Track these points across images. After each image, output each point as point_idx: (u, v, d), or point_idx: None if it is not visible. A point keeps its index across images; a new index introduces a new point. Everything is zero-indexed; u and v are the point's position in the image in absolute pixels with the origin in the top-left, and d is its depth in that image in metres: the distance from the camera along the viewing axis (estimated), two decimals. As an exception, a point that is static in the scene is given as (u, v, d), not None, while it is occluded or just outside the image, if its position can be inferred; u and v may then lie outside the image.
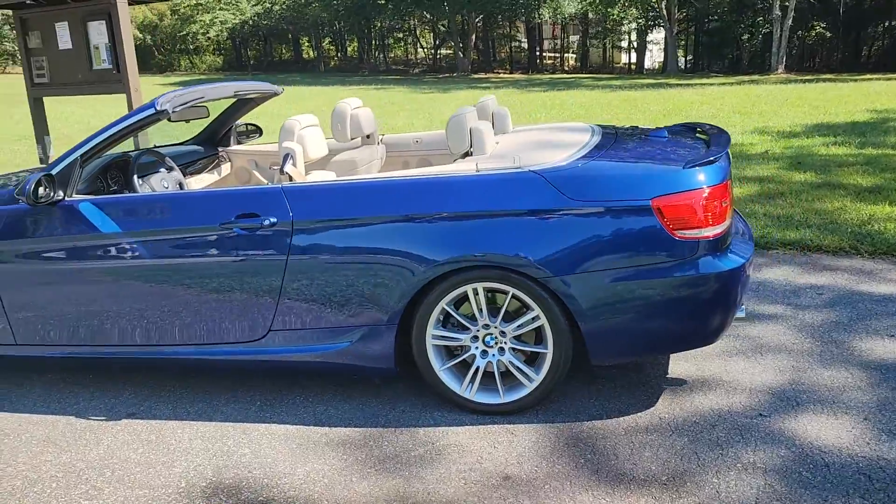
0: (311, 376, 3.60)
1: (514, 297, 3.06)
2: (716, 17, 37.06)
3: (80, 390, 3.64)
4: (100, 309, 3.37)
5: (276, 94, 4.61)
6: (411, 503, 2.63)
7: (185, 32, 40.18)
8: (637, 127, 4.20)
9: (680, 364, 3.58)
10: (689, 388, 3.34)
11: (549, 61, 44.65)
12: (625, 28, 39.91)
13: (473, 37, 38.39)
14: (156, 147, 4.76)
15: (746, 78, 26.03)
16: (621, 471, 2.75)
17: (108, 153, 3.82)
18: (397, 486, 2.73)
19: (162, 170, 3.92)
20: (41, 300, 3.42)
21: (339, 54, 49.53)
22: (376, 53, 45.48)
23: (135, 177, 3.66)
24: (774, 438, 2.91)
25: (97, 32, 7.55)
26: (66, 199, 3.39)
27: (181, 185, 4.04)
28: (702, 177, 2.99)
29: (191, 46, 42.03)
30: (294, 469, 2.87)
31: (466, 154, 3.51)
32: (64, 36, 7.78)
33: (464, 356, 3.20)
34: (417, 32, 46.68)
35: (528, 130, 4.04)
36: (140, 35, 40.38)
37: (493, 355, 3.17)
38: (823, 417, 3.04)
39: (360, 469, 2.85)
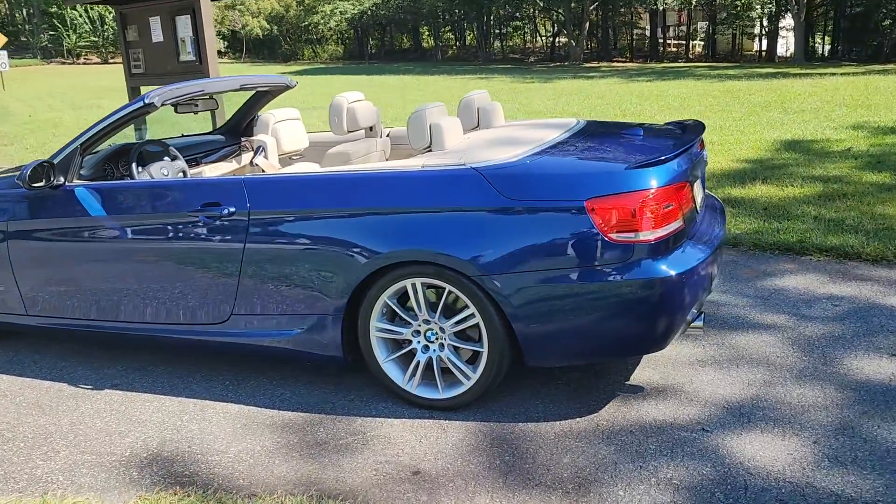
0: (284, 361, 3.75)
1: (453, 294, 3.07)
2: (858, 2, 34.38)
3: (81, 360, 3.96)
4: (88, 286, 3.66)
5: (288, 87, 4.78)
6: (316, 489, 2.72)
7: (307, 23, 41.80)
8: (624, 123, 4.05)
9: (645, 370, 3.47)
10: (643, 396, 3.23)
11: (673, 49, 42.99)
12: (755, 14, 37.75)
13: (587, 24, 37.54)
14: (184, 135, 5.06)
15: (879, 68, 24.07)
16: (531, 475, 2.72)
17: (118, 143, 4.12)
18: (312, 472, 2.82)
19: (166, 158, 4.18)
20: (44, 275, 3.75)
21: (457, 43, 49.92)
22: (493, 42, 45.46)
23: (133, 164, 3.93)
24: (705, 455, 2.78)
25: (183, 26, 8.07)
26: (67, 184, 3.69)
27: (184, 173, 4.29)
28: (645, 178, 2.88)
29: (314, 36, 43.68)
30: (229, 447, 3.03)
31: (427, 150, 3.53)
32: (156, 29, 8.36)
33: (408, 349, 3.24)
34: (536, 21, 46.26)
35: (510, 126, 4.01)
36: (267, 26, 42.34)
37: (434, 351, 3.20)
38: (769, 437, 2.87)
39: (287, 452, 2.97)
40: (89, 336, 3.82)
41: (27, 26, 49.23)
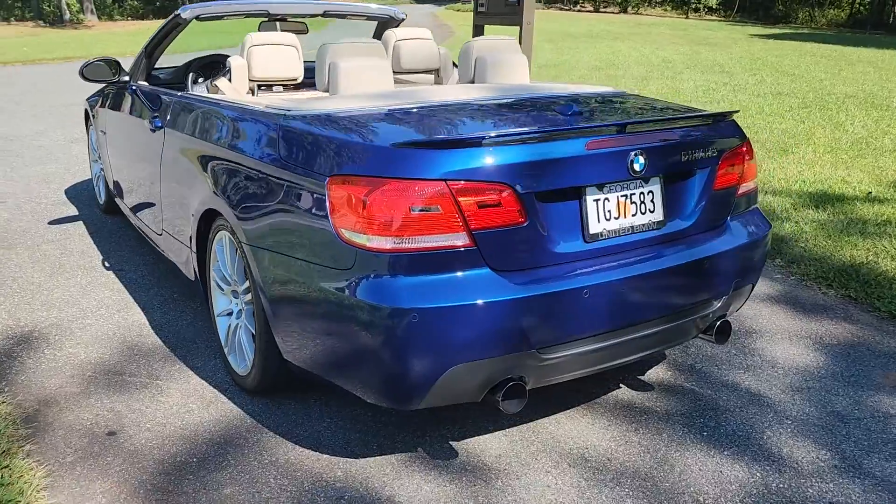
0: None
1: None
2: None
3: (136, 244, 4.43)
4: (124, 177, 4.04)
5: (393, 19, 4.43)
6: (31, 410, 2.64)
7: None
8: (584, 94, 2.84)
9: (499, 438, 2.50)
10: (436, 465, 2.35)
11: None
12: None
13: None
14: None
15: None
16: (187, 488, 2.24)
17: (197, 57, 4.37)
18: (63, 396, 2.74)
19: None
20: (116, 158, 4.24)
21: None
22: None
23: (190, 75, 4.12)
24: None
25: (512, -30, 8.19)
26: (132, 83, 4.07)
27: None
28: (396, 163, 2.02)
29: (815, -2, 38.85)
30: (61, 351, 3.08)
31: (326, 90, 2.97)
32: (496, -27, 8.62)
33: (227, 308, 2.89)
34: None
35: (489, 85, 3.11)
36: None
37: (238, 318, 2.78)
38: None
39: (83, 371, 2.92)
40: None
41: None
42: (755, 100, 10.55)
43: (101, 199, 5.03)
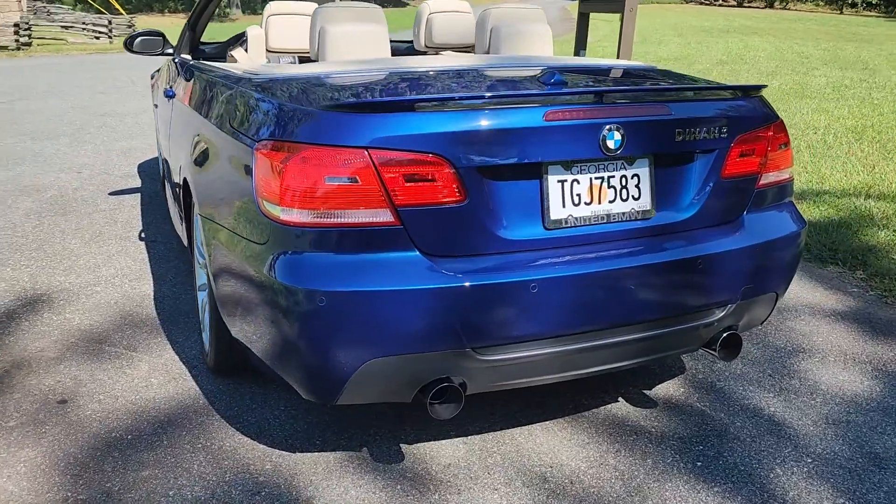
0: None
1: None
2: None
3: (163, 214, 4.43)
4: (163, 147, 4.06)
5: None
6: (3, 372, 2.63)
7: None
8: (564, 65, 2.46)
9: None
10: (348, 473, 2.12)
11: None
12: None
13: None
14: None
15: None
16: (102, 475, 2.13)
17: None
18: (35, 357, 2.72)
19: None
20: (160, 132, 4.27)
21: None
22: None
23: (228, 48, 4.07)
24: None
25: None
26: (176, 56, 4.08)
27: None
28: (313, 126, 1.80)
29: None
30: (58, 318, 3.10)
31: (315, 58, 2.77)
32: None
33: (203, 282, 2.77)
34: None
35: (483, 56, 2.83)
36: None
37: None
38: None
39: (68, 335, 2.90)
40: None
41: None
42: (892, 97, 9.49)
43: (161, 172, 5.11)
